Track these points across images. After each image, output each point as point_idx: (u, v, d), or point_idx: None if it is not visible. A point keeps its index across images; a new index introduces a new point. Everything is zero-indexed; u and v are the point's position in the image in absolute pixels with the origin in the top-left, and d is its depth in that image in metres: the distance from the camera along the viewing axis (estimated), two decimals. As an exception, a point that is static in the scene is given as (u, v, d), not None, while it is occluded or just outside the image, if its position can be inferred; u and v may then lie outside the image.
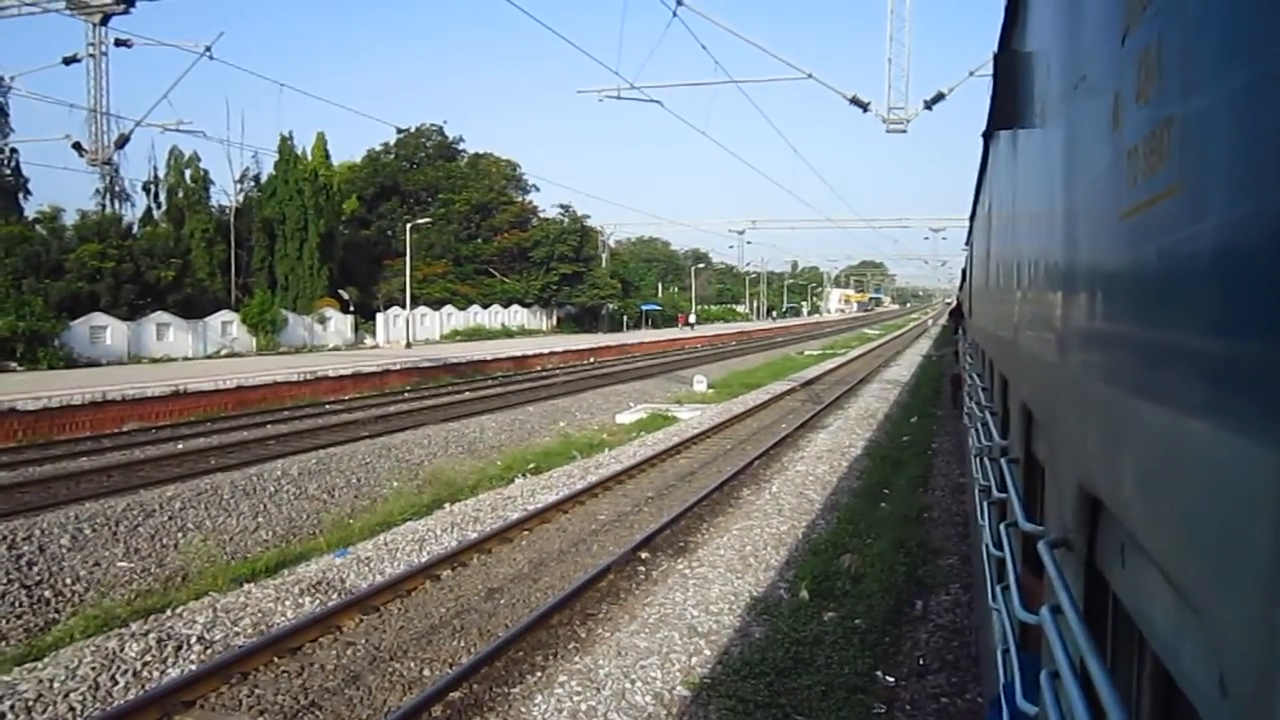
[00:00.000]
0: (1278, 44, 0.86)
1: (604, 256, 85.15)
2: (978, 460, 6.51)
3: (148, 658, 9.06)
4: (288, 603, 10.75)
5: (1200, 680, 1.14)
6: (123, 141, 27.56)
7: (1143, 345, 1.45)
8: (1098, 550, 1.89)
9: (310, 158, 59.72)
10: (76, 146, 26.97)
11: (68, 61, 26.17)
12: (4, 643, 10.74)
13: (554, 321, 79.64)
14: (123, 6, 23.01)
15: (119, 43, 25.21)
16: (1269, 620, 0.84)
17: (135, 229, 53.88)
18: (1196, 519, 1.11)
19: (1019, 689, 2.71)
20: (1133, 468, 1.48)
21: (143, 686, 8.55)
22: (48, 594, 12.14)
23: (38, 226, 48.98)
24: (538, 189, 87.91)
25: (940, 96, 23.98)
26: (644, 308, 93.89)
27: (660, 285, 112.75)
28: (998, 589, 3.81)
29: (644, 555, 12.96)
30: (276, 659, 9.10)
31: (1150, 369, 1.40)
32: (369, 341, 59.19)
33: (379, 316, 61.11)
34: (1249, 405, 0.93)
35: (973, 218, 13.06)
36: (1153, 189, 1.29)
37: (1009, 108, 3.87)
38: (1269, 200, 0.87)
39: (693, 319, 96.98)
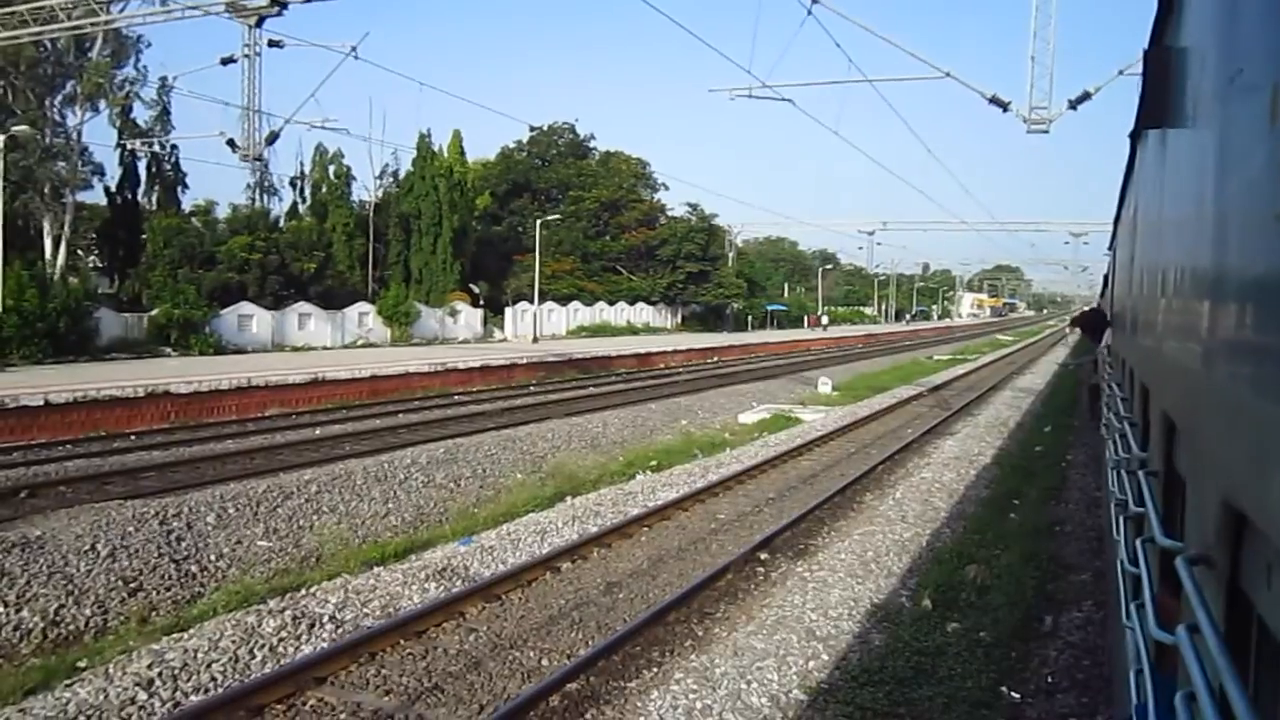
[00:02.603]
0: None
1: (730, 255, 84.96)
2: (1114, 473, 6.26)
3: (283, 634, 9.47)
4: (414, 587, 11.08)
5: None
6: (273, 138, 28.83)
7: None
8: (1241, 568, 1.81)
9: (446, 155, 61.46)
10: (230, 143, 28.37)
11: (225, 62, 27.53)
12: (155, 613, 11.38)
13: (678, 320, 79.93)
14: (276, 9, 24.06)
15: (272, 43, 26.35)
16: None
17: (281, 222, 56.48)
18: None
19: (1152, 712, 2.61)
20: None
21: (278, 661, 8.94)
22: (194, 569, 12.80)
23: (193, 219, 51.86)
24: (666, 187, 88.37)
25: (1086, 96, 23.05)
26: (769, 308, 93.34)
27: (786, 285, 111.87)
28: (1132, 607, 3.66)
29: (763, 556, 12.89)
30: (403, 641, 9.39)
31: None
32: (497, 335, 60.54)
33: (507, 311, 62.45)
34: None
35: (1116, 222, 12.54)
36: None
37: (1159, 106, 3.70)
38: None
39: (825, 320, 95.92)
